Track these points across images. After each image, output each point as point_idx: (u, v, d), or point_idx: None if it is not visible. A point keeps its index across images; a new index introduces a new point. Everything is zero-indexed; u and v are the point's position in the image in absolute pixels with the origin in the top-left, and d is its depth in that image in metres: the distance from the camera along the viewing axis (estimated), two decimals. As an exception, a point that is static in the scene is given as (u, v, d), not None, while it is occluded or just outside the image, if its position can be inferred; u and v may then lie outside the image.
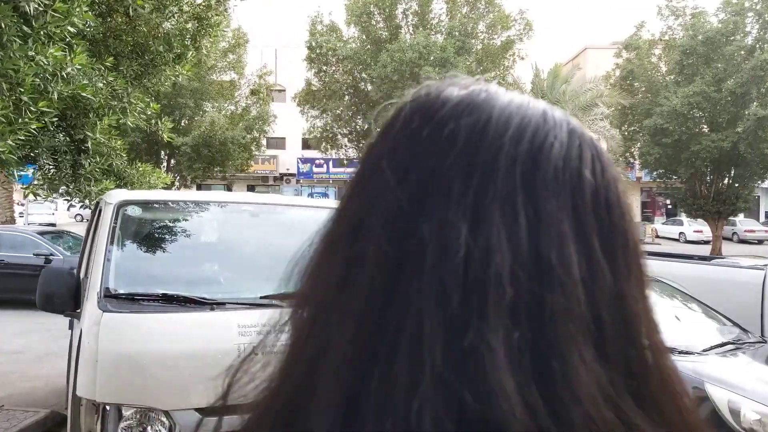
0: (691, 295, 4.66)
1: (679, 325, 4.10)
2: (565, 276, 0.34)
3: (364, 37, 21.50)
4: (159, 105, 6.58)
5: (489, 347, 0.32)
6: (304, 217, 3.56)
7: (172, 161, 20.59)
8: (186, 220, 3.23)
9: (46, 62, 4.05)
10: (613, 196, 0.38)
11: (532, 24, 21.38)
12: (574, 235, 0.35)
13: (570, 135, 0.38)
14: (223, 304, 2.61)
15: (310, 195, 31.37)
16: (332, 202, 4.14)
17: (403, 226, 0.35)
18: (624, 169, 24.28)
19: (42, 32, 4.06)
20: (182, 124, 20.02)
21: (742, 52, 19.28)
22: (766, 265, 5.31)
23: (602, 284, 0.36)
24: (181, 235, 3.11)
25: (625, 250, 0.38)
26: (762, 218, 33.06)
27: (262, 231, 3.33)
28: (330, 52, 21.04)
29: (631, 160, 24.04)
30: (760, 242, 28.05)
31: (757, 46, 19.27)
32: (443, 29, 21.17)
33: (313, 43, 21.10)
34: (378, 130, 0.42)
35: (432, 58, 18.83)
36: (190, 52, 6.29)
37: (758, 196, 30.86)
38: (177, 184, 20.58)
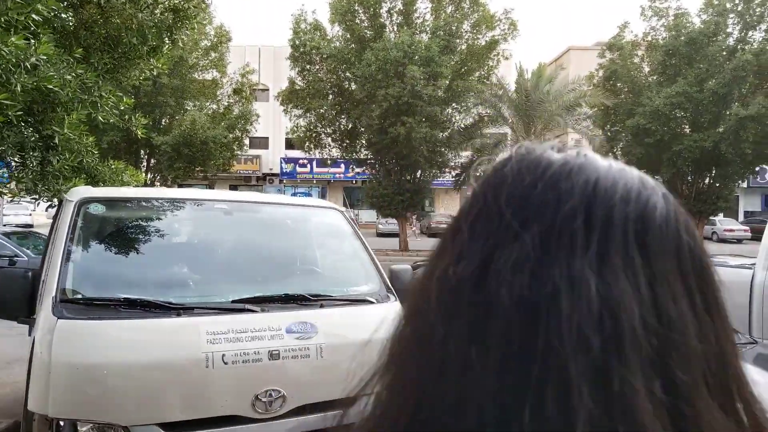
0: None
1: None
2: (685, 329, 0.38)
3: (348, 35, 21.31)
4: (134, 100, 6.33)
5: (634, 391, 0.35)
6: (280, 216, 3.37)
7: (152, 161, 20.19)
8: (153, 218, 3.01)
9: (7, 51, 3.80)
10: (705, 257, 0.41)
11: (516, 24, 21.40)
12: (684, 294, 0.39)
13: (665, 199, 0.42)
14: (191, 309, 2.42)
15: (294, 195, 31.11)
16: (310, 200, 3.94)
17: (533, 271, 0.38)
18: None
19: (2, 19, 3.81)
20: (163, 122, 19.66)
21: (724, 53, 19.49)
22: (754, 264, 5.24)
23: (709, 340, 0.39)
24: (148, 235, 2.89)
25: (719, 311, 0.41)
26: (741, 218, 33.54)
27: (236, 230, 3.13)
28: (314, 51, 20.80)
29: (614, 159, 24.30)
30: (738, 241, 28.43)
31: (739, 47, 19.49)
32: (428, 28, 21.08)
33: (297, 42, 20.83)
34: (476, 183, 0.45)
35: (416, 57, 18.72)
36: (166, 46, 6.05)
37: (737, 196, 31.29)
38: (158, 184, 20.20)
